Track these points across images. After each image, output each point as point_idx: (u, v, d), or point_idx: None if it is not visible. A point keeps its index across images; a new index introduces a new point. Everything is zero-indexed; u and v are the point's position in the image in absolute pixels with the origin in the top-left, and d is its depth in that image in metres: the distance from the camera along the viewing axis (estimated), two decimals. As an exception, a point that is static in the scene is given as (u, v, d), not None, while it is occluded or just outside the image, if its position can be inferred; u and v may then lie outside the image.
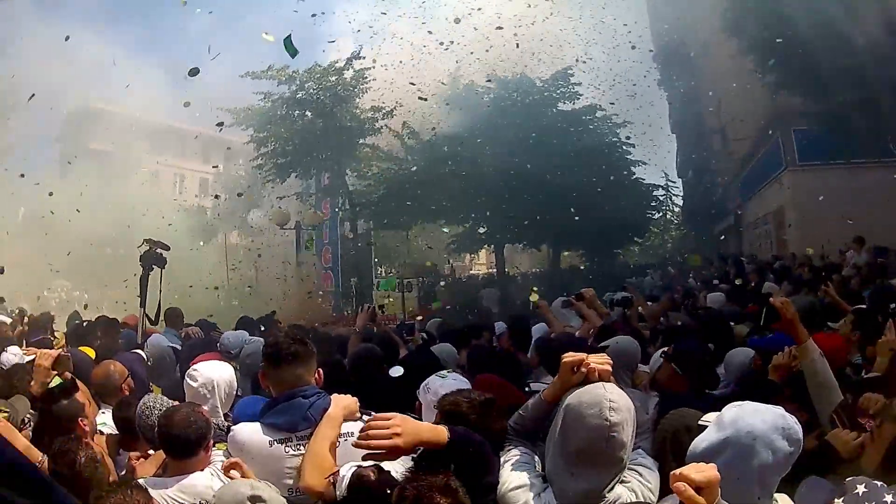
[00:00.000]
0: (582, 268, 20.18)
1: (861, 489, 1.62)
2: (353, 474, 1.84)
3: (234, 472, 2.14)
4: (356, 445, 1.84)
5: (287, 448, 2.22)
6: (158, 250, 5.77)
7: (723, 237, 24.37)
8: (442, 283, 16.97)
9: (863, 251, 9.89)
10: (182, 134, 22.55)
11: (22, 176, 15.67)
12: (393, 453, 1.81)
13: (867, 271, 8.35)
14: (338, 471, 1.90)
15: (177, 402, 2.75)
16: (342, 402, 2.27)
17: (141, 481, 2.08)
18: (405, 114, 17.59)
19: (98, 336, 6.14)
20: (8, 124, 22.19)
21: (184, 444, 2.32)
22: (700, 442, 1.77)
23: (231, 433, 2.36)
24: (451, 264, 21.67)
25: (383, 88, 17.75)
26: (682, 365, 3.16)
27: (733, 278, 11.07)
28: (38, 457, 2.35)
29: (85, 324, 7.20)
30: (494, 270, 20.70)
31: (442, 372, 2.64)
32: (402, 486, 1.61)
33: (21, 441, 2.42)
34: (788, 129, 18.97)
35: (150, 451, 2.67)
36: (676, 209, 22.97)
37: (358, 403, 2.33)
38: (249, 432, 2.28)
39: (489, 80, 18.95)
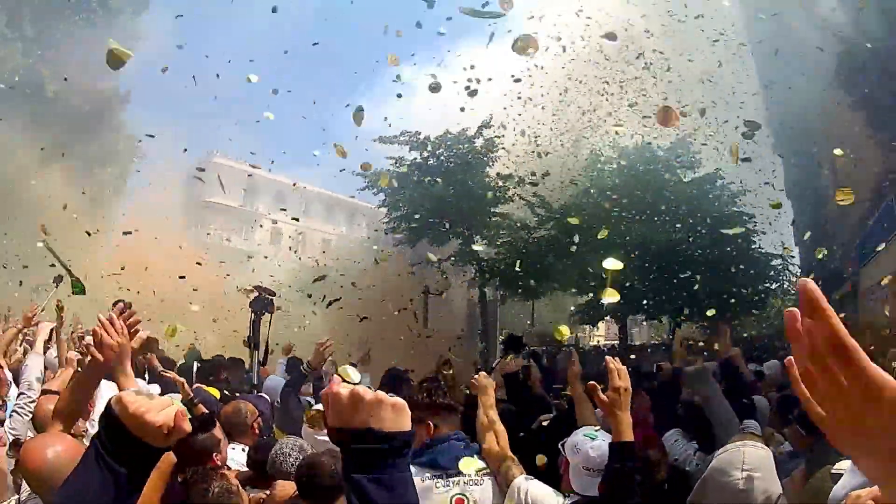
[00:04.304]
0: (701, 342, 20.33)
1: None
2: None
3: None
4: None
5: (438, 482, 2.53)
6: (267, 296, 6.12)
7: (840, 306, 24.13)
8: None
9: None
10: (306, 193, 24.13)
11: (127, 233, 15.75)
12: None
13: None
14: None
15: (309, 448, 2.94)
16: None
17: None
18: (535, 181, 18.59)
19: (221, 375, 6.55)
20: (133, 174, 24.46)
21: (324, 491, 2.37)
22: (840, 489, 1.80)
23: None
24: (574, 334, 22.36)
25: (513, 157, 18.82)
26: (808, 427, 3.25)
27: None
28: None
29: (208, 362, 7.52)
30: (616, 341, 21.27)
31: (590, 431, 2.66)
32: None
33: None
34: (902, 191, 18.85)
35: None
36: (794, 279, 22.97)
37: None
38: None
39: (611, 148, 19.92)
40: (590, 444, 2.54)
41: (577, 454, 2.54)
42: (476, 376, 3.27)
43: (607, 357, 2.46)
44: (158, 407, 1.13)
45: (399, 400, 1.08)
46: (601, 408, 2.44)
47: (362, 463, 1.03)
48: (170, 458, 2.15)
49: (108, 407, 1.14)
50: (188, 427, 1.16)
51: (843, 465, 1.93)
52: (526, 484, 2.51)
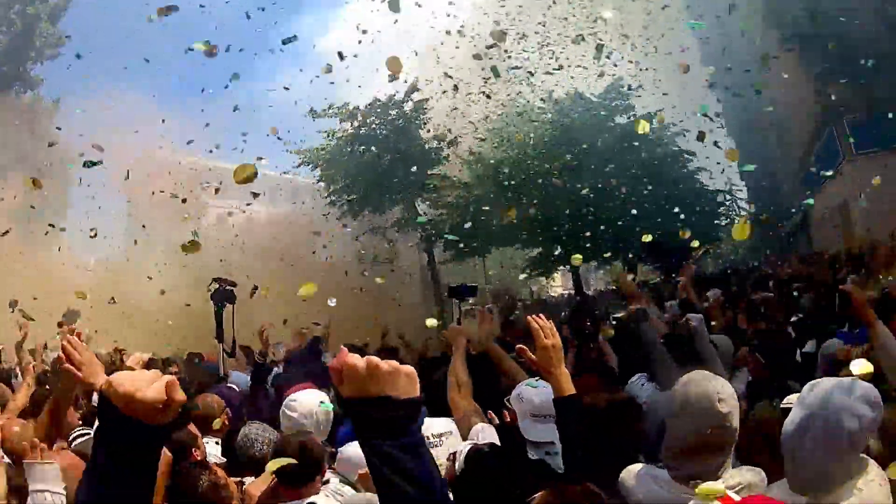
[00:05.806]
0: (657, 280, 20.47)
1: None
2: (469, 449, 2.16)
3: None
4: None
5: None
6: (227, 287, 5.94)
7: (791, 238, 24.49)
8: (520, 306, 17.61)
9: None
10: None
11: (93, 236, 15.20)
12: None
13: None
14: (456, 451, 2.20)
15: (278, 432, 2.97)
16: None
17: None
18: (468, 140, 18.50)
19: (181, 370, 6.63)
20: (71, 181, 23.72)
21: (300, 474, 2.37)
22: (789, 424, 1.87)
23: (340, 453, 2.61)
24: (529, 288, 22.40)
25: (443, 117, 18.69)
26: (767, 355, 3.74)
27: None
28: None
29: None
30: (571, 290, 21.28)
31: (532, 381, 2.76)
32: (547, 495, 1.77)
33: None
34: (841, 119, 19.16)
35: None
36: (743, 213, 23.22)
37: None
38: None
39: (543, 101, 19.87)
40: (533, 391, 2.70)
41: (522, 402, 2.69)
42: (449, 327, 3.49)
43: (528, 317, 2.45)
44: (147, 382, 1.08)
45: (410, 368, 1.10)
46: (535, 368, 2.46)
47: (384, 430, 1.06)
48: (167, 457, 2.14)
49: (101, 393, 1.10)
50: (182, 396, 1.10)
51: (792, 398, 2.00)
52: (484, 431, 2.70)
